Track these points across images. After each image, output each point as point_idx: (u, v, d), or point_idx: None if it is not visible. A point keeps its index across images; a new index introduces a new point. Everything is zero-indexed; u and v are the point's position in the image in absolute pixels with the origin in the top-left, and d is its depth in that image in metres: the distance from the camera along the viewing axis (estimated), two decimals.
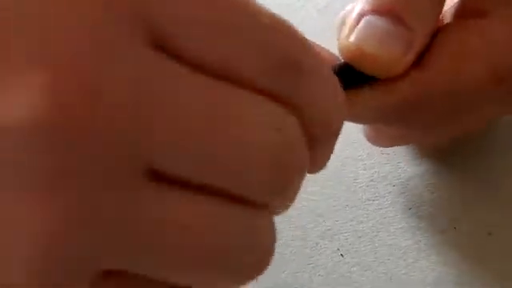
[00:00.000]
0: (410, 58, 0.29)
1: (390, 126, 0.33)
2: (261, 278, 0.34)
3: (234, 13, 0.19)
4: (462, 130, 0.33)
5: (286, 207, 0.22)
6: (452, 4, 0.32)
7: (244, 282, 0.21)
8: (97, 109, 0.17)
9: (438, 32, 0.30)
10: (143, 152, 0.18)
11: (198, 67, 0.19)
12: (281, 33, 0.20)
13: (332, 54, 0.30)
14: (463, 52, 0.29)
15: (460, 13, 0.31)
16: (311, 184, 0.36)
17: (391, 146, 0.35)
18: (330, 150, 0.24)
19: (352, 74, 0.29)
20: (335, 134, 0.23)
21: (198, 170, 0.19)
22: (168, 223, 0.19)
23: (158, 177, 0.19)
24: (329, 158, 0.25)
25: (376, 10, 0.28)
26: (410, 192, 0.35)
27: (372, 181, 0.36)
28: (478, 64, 0.29)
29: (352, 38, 0.28)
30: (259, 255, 0.21)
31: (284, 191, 0.21)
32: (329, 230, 0.35)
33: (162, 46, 0.19)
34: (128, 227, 0.18)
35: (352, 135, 0.37)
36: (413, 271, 0.33)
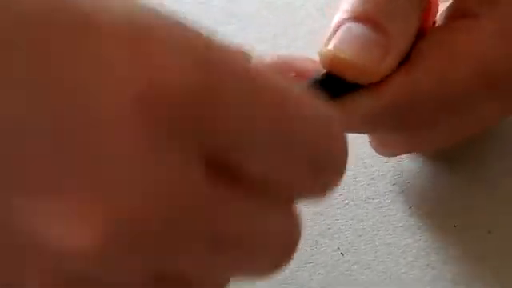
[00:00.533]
0: (389, 62, 0.29)
1: (384, 133, 0.33)
2: None
3: (291, 129, 0.20)
4: (463, 132, 0.33)
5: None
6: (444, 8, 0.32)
7: (271, 272, 0.22)
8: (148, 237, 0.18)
9: (427, 34, 0.30)
10: None
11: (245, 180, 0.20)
12: (326, 142, 0.21)
13: (315, 62, 0.30)
14: (451, 53, 0.29)
15: (449, 15, 0.31)
16: None
17: (394, 155, 0.35)
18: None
19: (336, 83, 0.29)
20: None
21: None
22: None
23: None
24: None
25: (353, 18, 0.28)
26: (410, 191, 0.35)
27: (372, 179, 0.36)
28: (466, 66, 0.29)
29: (330, 46, 0.28)
30: (290, 249, 0.22)
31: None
32: (329, 228, 0.35)
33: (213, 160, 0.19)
34: None
35: (352, 134, 0.37)
36: (412, 270, 0.33)
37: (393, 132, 0.33)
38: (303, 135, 0.20)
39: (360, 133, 0.34)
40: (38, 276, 0.17)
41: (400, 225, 0.34)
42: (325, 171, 0.21)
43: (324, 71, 0.29)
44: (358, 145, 0.36)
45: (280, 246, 0.21)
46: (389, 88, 0.29)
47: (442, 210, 0.34)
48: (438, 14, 0.32)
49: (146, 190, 0.17)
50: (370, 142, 0.34)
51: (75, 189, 0.17)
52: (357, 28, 0.28)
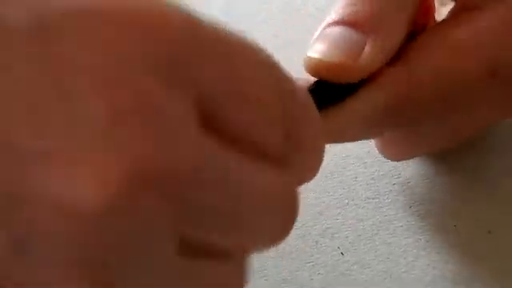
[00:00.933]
0: (368, 57, 0.29)
1: (389, 132, 0.33)
2: (260, 276, 0.34)
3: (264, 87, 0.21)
4: (465, 131, 0.33)
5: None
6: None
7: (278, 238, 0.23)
8: (161, 194, 0.18)
9: (428, 29, 0.30)
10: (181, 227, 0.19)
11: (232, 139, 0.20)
12: (297, 104, 0.23)
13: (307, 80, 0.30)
14: (451, 44, 0.29)
15: (453, 10, 0.31)
16: (311, 182, 0.36)
17: (402, 159, 0.35)
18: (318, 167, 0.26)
19: (330, 89, 0.29)
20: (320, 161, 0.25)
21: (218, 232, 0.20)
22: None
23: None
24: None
25: (331, 23, 0.29)
26: (410, 190, 0.35)
27: (372, 179, 0.36)
28: (468, 57, 0.29)
29: (308, 52, 0.29)
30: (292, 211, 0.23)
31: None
32: (329, 228, 0.35)
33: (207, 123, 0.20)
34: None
35: None
36: (413, 270, 0.33)
37: (398, 131, 0.32)
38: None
39: (367, 138, 0.34)
40: (50, 237, 0.18)
41: (400, 225, 0.34)
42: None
43: (313, 80, 0.29)
44: (358, 145, 0.36)
45: (281, 209, 0.22)
46: (387, 82, 0.29)
47: (442, 209, 0.34)
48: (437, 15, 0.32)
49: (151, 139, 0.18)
50: (376, 145, 0.34)
51: (87, 148, 0.17)
52: (332, 30, 0.29)
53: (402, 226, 0.34)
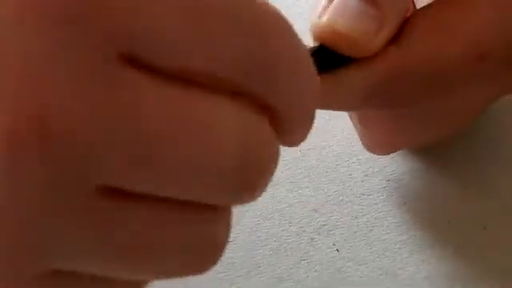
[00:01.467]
0: (382, 37, 0.29)
1: (378, 110, 0.33)
2: (256, 273, 0.34)
3: (215, 18, 0.18)
4: (454, 120, 0.33)
5: (254, 200, 0.21)
6: None
7: (193, 273, 0.20)
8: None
9: (421, 8, 0.30)
10: (100, 171, 0.17)
11: (169, 73, 0.18)
12: (259, 34, 0.19)
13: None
14: (444, 27, 0.29)
15: None
16: (306, 179, 0.36)
17: (388, 153, 0.35)
18: (307, 130, 0.22)
19: (328, 56, 0.28)
20: (310, 119, 0.22)
21: (160, 180, 0.18)
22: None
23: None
24: (306, 136, 0.22)
25: None
26: (404, 187, 0.35)
27: (366, 176, 0.36)
28: (459, 39, 0.29)
29: (324, 18, 0.28)
30: (211, 254, 0.20)
31: (248, 191, 0.20)
32: (324, 225, 0.35)
33: (131, 56, 0.17)
34: None
35: (346, 130, 0.37)
36: (408, 266, 0.33)
37: (385, 117, 0.32)
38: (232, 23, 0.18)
39: (351, 110, 0.33)
40: None
41: (395, 221, 0.34)
42: (276, 68, 0.19)
43: (315, 44, 0.28)
44: (352, 142, 0.37)
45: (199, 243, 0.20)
46: (382, 61, 0.29)
47: (437, 205, 0.35)
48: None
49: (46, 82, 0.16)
50: (362, 140, 0.34)
51: None
52: (351, 1, 0.28)
53: (396, 223, 0.34)
